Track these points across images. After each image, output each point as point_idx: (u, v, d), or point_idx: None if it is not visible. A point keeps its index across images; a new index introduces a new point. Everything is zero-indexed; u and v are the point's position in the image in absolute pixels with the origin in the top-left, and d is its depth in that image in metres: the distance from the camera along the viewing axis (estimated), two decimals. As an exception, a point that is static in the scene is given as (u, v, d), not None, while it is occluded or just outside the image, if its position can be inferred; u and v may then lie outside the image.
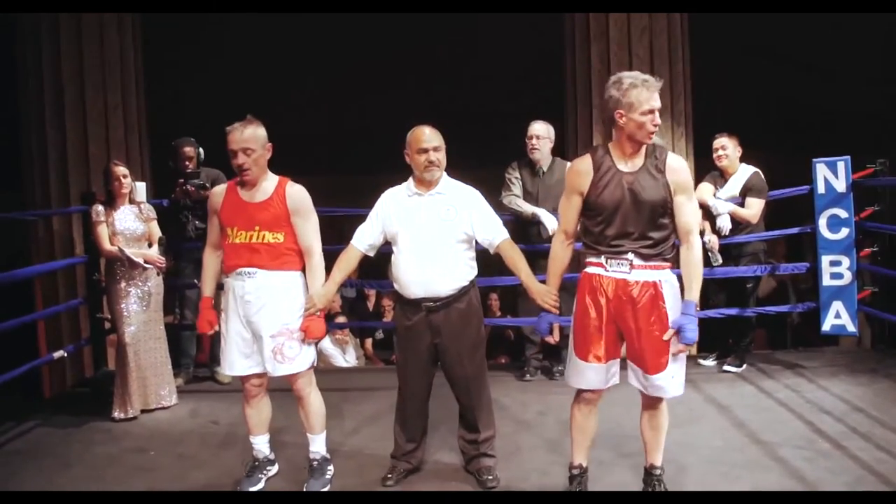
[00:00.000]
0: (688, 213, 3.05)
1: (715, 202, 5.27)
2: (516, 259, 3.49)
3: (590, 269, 3.13)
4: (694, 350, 5.89)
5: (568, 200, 3.18)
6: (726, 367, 5.43)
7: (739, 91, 8.48)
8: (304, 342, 3.48)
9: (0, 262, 4.94)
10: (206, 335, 5.76)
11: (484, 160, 6.09)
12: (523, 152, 5.23)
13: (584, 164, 3.12)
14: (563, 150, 6.01)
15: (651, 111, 2.98)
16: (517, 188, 5.20)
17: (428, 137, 3.49)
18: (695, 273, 3.05)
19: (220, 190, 3.57)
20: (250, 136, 3.37)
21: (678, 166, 3.07)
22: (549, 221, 5.01)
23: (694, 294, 3.03)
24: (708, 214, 5.30)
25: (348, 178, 6.67)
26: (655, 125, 2.99)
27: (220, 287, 3.70)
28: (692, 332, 2.98)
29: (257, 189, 3.45)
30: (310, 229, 3.49)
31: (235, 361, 3.53)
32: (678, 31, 6.47)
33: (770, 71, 8.58)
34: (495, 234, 3.53)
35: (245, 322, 3.46)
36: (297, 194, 3.47)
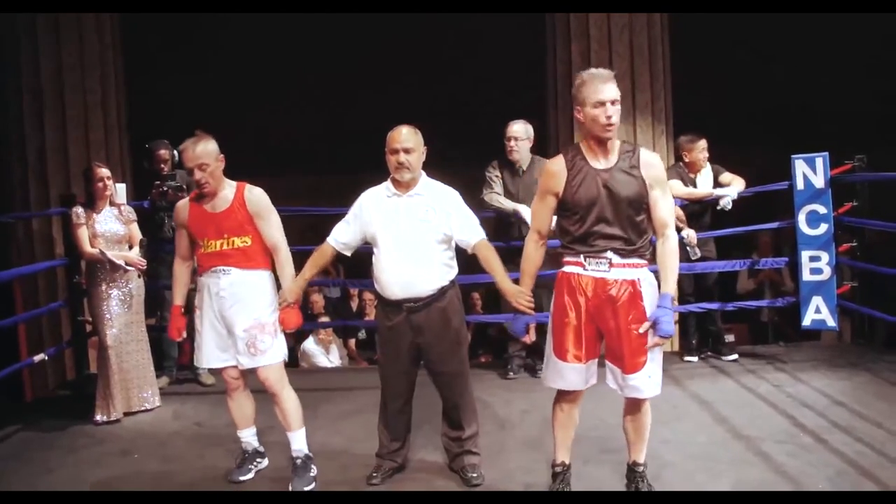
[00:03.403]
0: (663, 208, 3.07)
1: (721, 192, 5.36)
2: (491, 259, 3.51)
3: (567, 269, 3.13)
4: (674, 345, 5.95)
5: (542, 201, 3.18)
6: (724, 358, 5.58)
7: (719, 87, 8.55)
8: (276, 335, 3.58)
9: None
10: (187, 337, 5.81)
11: (469, 158, 6.08)
12: (503, 152, 5.25)
13: (557, 164, 3.12)
14: (544, 148, 6.01)
15: (601, 103, 2.96)
16: (498, 186, 5.22)
17: (401, 138, 3.48)
18: (671, 266, 3.06)
19: (183, 204, 3.68)
20: (202, 152, 3.48)
21: (652, 161, 3.07)
22: (530, 217, 5.03)
23: (670, 286, 3.04)
24: (690, 208, 5.40)
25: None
26: (608, 117, 2.97)
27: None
28: (668, 325, 2.99)
29: (218, 198, 3.56)
30: (273, 228, 3.60)
31: (211, 355, 3.64)
32: (658, 29, 6.50)
33: (750, 67, 8.65)
34: (472, 234, 3.54)
35: (219, 317, 3.56)
36: (255, 198, 3.58)
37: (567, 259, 3.14)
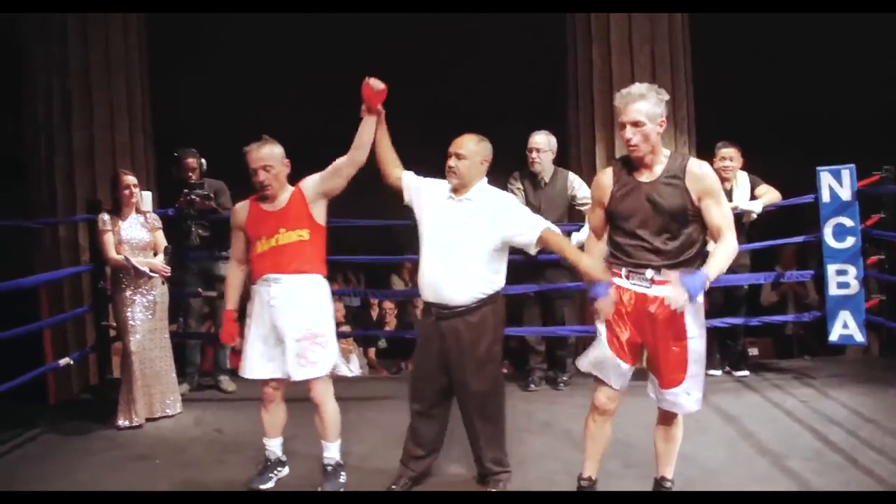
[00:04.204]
0: (716, 215, 3.00)
1: (748, 206, 5.29)
2: (560, 242, 3.45)
3: (614, 279, 3.12)
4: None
5: (592, 212, 3.21)
6: (736, 373, 5.52)
7: (743, 97, 8.48)
8: (327, 346, 3.57)
9: (6, 270, 4.93)
10: (209, 344, 5.84)
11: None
12: (525, 163, 5.22)
13: (605, 175, 3.15)
14: (565, 155, 5.95)
15: (622, 125, 3.00)
16: (519, 198, 5.16)
17: (455, 142, 3.49)
18: (721, 256, 2.98)
19: (242, 206, 3.69)
20: (268, 154, 3.54)
21: (698, 172, 3.01)
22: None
23: (711, 270, 2.96)
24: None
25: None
26: (626, 140, 2.99)
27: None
28: (694, 291, 2.90)
29: (277, 200, 3.59)
30: (324, 173, 3.60)
31: (256, 365, 3.62)
32: (680, 38, 6.46)
33: (774, 76, 8.57)
34: (532, 229, 3.43)
35: (270, 326, 3.56)
36: (308, 181, 3.61)
37: (613, 270, 3.13)
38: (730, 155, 5.38)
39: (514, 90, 8.43)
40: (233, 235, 3.74)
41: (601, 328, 3.17)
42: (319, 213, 3.61)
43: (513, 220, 3.46)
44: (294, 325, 3.52)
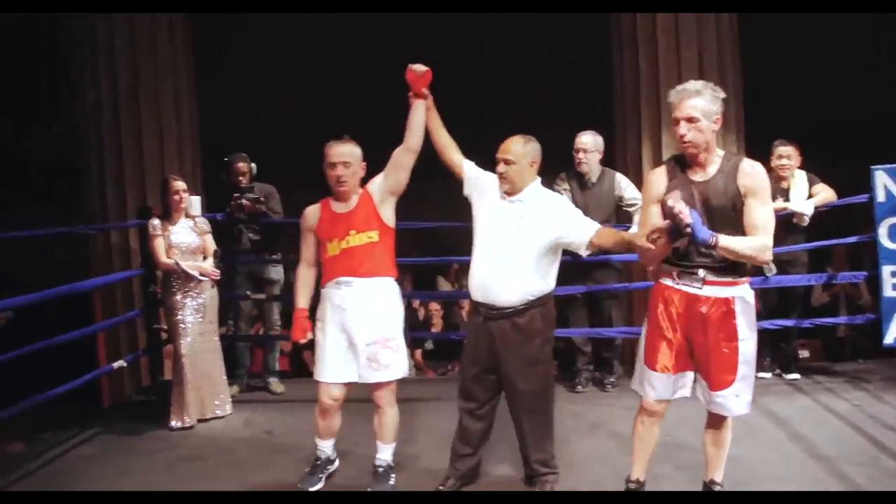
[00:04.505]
0: (757, 214, 2.96)
1: (800, 208, 5.20)
2: (612, 236, 3.45)
3: (663, 280, 3.11)
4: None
5: (645, 210, 3.17)
6: (786, 375, 5.43)
7: (793, 95, 8.33)
8: (398, 350, 3.59)
9: (61, 276, 5.05)
10: (259, 346, 5.92)
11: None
12: (572, 163, 5.20)
13: (658, 172, 3.14)
14: (611, 155, 5.91)
15: (676, 121, 2.97)
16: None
17: (502, 147, 3.49)
18: (744, 240, 2.93)
19: (313, 209, 3.72)
20: (348, 152, 3.59)
21: (749, 170, 2.99)
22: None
23: (724, 238, 2.88)
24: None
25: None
26: (679, 136, 2.96)
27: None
28: (697, 226, 2.83)
29: (349, 201, 3.62)
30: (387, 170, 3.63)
31: (332, 369, 3.63)
32: (727, 36, 6.36)
33: (827, 75, 8.40)
34: (583, 232, 3.43)
35: (341, 329, 3.58)
36: (374, 182, 3.64)
37: (663, 271, 3.11)
38: (787, 153, 5.30)
39: (560, 91, 8.38)
40: (303, 238, 3.76)
41: (641, 343, 3.17)
42: (388, 213, 3.63)
43: (564, 222, 3.46)
44: (366, 329, 3.55)
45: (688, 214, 2.82)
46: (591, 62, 7.42)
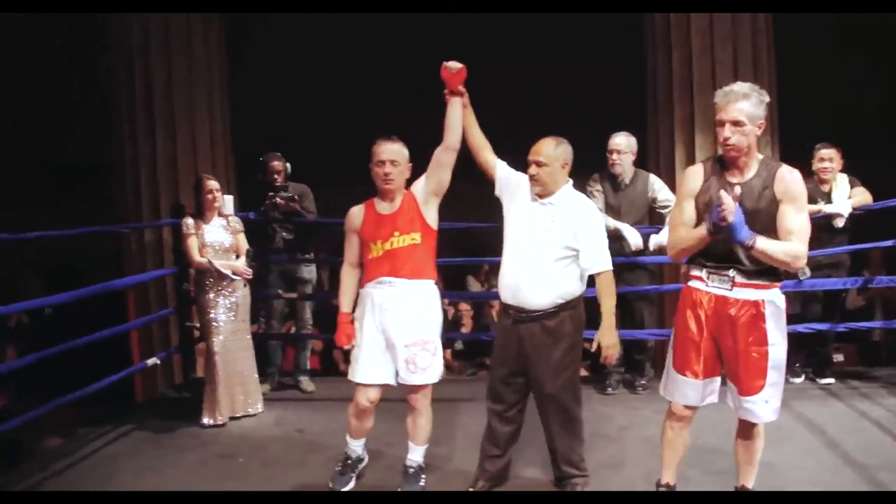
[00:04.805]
0: (792, 220, 2.92)
1: (836, 208, 5.12)
2: (605, 293, 3.45)
3: (692, 283, 3.09)
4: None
5: (678, 207, 3.14)
6: (820, 380, 5.36)
7: (830, 96, 8.21)
8: (436, 353, 3.59)
9: (96, 274, 5.13)
10: (290, 345, 5.96)
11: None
12: (605, 164, 5.17)
13: (696, 169, 3.12)
14: (643, 157, 5.87)
15: (721, 123, 2.94)
16: (599, 202, 5.11)
17: (533, 149, 3.48)
18: (779, 244, 2.89)
19: (357, 210, 3.72)
20: (398, 150, 3.60)
21: (787, 176, 2.96)
22: (632, 237, 4.94)
23: (762, 240, 2.85)
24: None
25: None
26: (724, 139, 2.93)
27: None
28: (740, 223, 2.81)
29: (394, 202, 3.62)
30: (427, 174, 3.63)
31: (369, 370, 3.62)
32: (763, 36, 6.29)
33: (864, 74, 8.27)
34: (592, 263, 3.44)
35: (380, 330, 3.58)
36: (417, 182, 3.64)
37: (692, 273, 3.09)
38: (829, 156, 5.23)
39: (592, 91, 8.33)
40: (346, 239, 3.76)
41: (670, 348, 3.15)
42: (431, 215, 3.62)
43: (585, 245, 3.43)
44: (405, 331, 3.54)
45: (732, 211, 2.80)
46: (621, 63, 7.38)
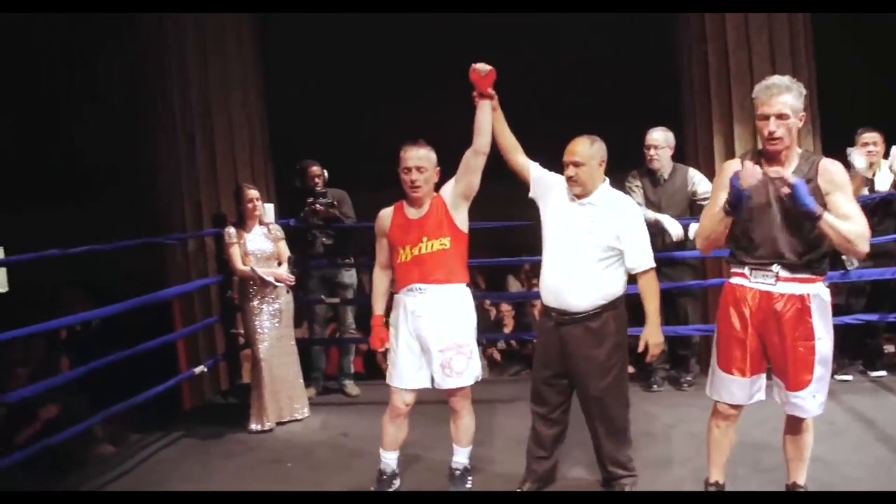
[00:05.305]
0: (846, 207, 2.89)
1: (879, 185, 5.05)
2: (649, 291, 3.44)
3: (734, 280, 3.06)
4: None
5: (712, 199, 3.11)
6: (871, 373, 5.27)
7: (869, 84, 8.05)
8: (471, 356, 3.58)
9: (141, 285, 5.21)
10: (333, 349, 6.00)
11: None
12: (643, 160, 5.14)
13: (734, 163, 3.09)
14: (681, 152, 5.81)
15: (765, 117, 2.90)
16: (638, 196, 5.09)
17: (568, 149, 3.44)
18: (842, 223, 2.84)
19: (387, 213, 3.71)
20: (424, 156, 3.56)
21: (830, 168, 2.94)
22: (673, 227, 4.90)
23: (827, 216, 2.83)
24: None
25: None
26: (769, 132, 2.90)
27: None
28: (804, 191, 2.79)
29: (422, 207, 3.60)
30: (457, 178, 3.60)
31: (405, 375, 3.63)
32: (800, 25, 6.18)
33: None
34: (635, 262, 3.42)
35: (415, 336, 3.58)
36: (446, 186, 3.61)
37: (734, 270, 3.06)
38: (873, 140, 5.12)
39: (628, 87, 8.27)
40: (377, 243, 3.76)
41: (714, 347, 3.13)
42: (461, 218, 3.59)
43: (626, 245, 3.41)
44: (439, 336, 3.54)
45: (793, 184, 2.78)
46: (656, 57, 7.31)
